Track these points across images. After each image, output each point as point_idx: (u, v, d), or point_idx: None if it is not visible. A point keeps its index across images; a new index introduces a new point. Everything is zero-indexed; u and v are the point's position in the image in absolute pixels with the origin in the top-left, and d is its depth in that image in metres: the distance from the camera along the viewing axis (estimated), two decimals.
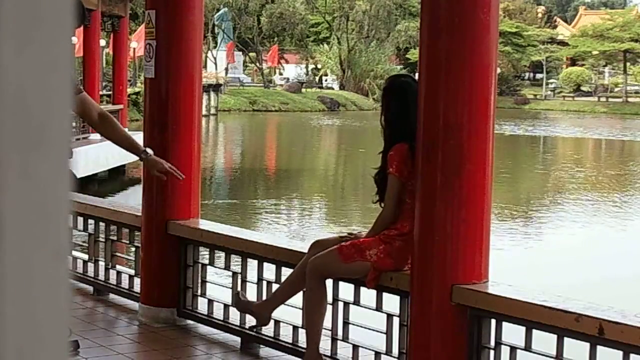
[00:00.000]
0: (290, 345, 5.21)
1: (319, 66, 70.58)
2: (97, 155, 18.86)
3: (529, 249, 15.38)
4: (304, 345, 5.24)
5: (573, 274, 12.47)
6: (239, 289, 5.77)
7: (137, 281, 6.48)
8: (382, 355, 4.93)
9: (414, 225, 4.68)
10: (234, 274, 5.82)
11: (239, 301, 5.41)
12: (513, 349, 4.29)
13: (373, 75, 61.91)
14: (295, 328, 5.31)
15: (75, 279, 6.85)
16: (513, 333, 4.31)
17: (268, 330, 5.38)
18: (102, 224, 6.90)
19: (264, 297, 5.55)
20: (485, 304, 4.29)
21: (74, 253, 7.19)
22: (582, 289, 9.93)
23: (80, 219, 6.86)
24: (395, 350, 4.86)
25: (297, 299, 5.14)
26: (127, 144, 5.45)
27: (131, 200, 14.69)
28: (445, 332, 4.37)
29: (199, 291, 6.10)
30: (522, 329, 4.20)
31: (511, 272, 9.33)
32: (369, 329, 5.04)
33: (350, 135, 39.26)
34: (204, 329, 5.93)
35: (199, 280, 6.09)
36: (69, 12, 0.69)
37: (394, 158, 4.76)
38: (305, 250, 5.09)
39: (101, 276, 6.81)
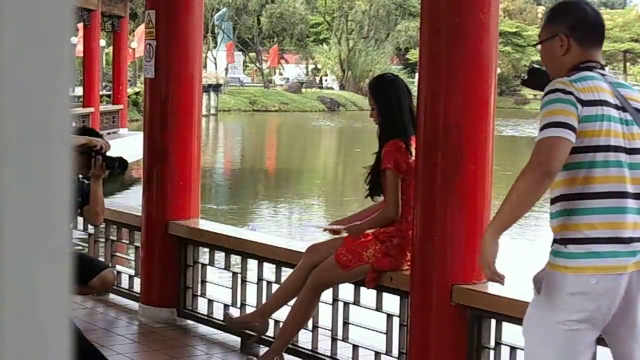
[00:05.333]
0: (290, 346, 5.21)
1: (319, 66, 70.58)
2: None
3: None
4: (304, 346, 5.25)
5: None
6: (238, 289, 5.77)
7: (137, 281, 6.48)
8: (382, 355, 4.93)
9: (409, 222, 4.68)
10: (234, 274, 5.82)
11: (230, 321, 5.38)
12: (513, 349, 4.29)
13: (373, 76, 61.73)
14: None
15: None
16: (513, 333, 4.31)
17: (268, 330, 5.37)
18: (102, 224, 6.90)
19: (264, 298, 5.55)
20: (485, 304, 4.29)
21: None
22: None
23: (80, 219, 6.86)
24: (395, 350, 4.86)
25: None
26: None
27: (131, 200, 14.69)
28: (445, 332, 4.37)
29: (199, 291, 6.10)
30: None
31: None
32: (369, 329, 5.04)
33: (351, 136, 39.26)
34: (204, 329, 5.93)
35: (199, 280, 6.09)
36: (69, 12, 0.69)
37: (390, 154, 4.75)
38: (305, 250, 5.09)
39: None
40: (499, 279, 3.26)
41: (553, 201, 3.26)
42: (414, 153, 4.71)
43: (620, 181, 3.23)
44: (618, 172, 3.23)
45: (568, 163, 3.17)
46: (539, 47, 3.45)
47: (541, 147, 3.15)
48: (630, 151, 3.26)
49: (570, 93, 3.17)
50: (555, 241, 3.24)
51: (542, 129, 3.17)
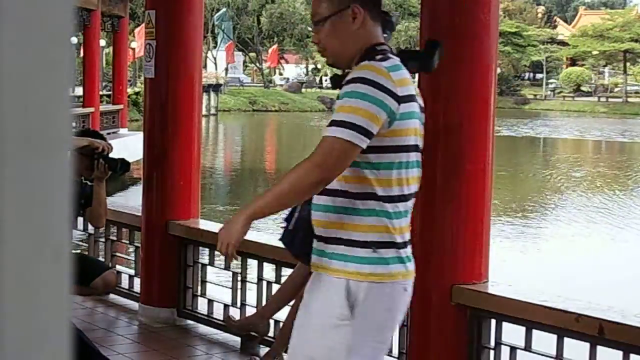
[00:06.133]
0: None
1: (319, 66, 70.56)
2: None
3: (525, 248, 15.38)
4: None
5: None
6: (238, 289, 5.77)
7: (137, 281, 6.48)
8: None
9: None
10: (234, 274, 5.81)
11: (232, 323, 5.38)
12: (513, 349, 4.29)
13: None
14: None
15: None
16: (513, 333, 4.31)
17: (269, 331, 5.38)
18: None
19: (264, 298, 5.55)
20: (485, 304, 4.29)
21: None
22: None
23: (80, 219, 6.86)
24: (395, 350, 4.85)
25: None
26: None
27: (131, 200, 14.67)
28: (445, 332, 4.37)
29: (199, 291, 6.09)
30: (522, 329, 4.20)
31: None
32: None
33: None
34: (204, 329, 5.93)
35: (199, 280, 6.09)
36: (69, 12, 0.69)
37: None
38: None
39: None
40: (232, 260, 3.15)
41: (358, 196, 2.89)
42: None
43: (418, 182, 3.00)
44: (418, 172, 3.00)
45: (382, 163, 2.87)
46: (321, 25, 2.97)
47: (331, 148, 2.78)
48: (420, 150, 3.02)
49: (387, 90, 2.81)
50: (353, 243, 2.90)
51: (338, 124, 2.78)
